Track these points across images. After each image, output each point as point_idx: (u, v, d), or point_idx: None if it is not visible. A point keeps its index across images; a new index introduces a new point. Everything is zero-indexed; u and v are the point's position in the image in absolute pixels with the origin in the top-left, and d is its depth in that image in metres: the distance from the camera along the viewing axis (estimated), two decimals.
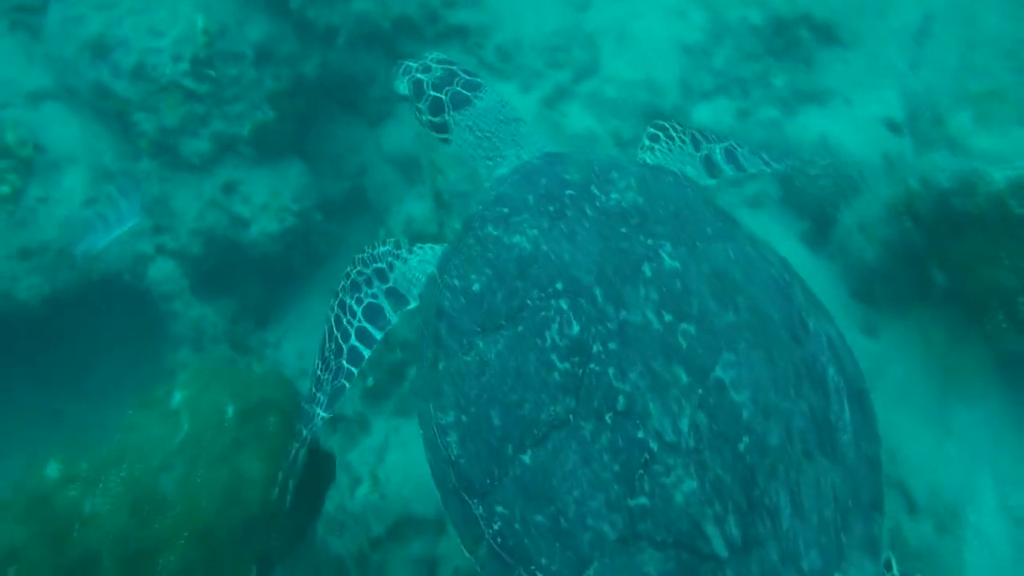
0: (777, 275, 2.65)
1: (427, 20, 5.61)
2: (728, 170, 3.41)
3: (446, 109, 3.26)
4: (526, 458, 2.38)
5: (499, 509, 2.41)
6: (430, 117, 3.30)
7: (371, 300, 3.07)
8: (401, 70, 3.42)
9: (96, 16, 4.81)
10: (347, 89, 5.70)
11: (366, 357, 3.03)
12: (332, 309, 3.12)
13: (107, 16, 4.80)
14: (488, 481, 2.44)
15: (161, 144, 5.00)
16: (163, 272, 5.07)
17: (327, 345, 3.09)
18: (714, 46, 5.62)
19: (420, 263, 3.04)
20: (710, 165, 3.39)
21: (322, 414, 2.94)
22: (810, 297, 2.73)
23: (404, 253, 3.11)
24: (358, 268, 3.13)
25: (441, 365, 2.64)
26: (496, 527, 2.40)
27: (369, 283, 3.11)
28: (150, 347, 5.36)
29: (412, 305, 3.02)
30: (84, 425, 5.45)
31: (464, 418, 2.52)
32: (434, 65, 3.37)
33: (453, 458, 2.52)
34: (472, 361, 2.54)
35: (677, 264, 2.50)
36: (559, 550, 2.30)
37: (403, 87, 3.39)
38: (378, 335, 3.04)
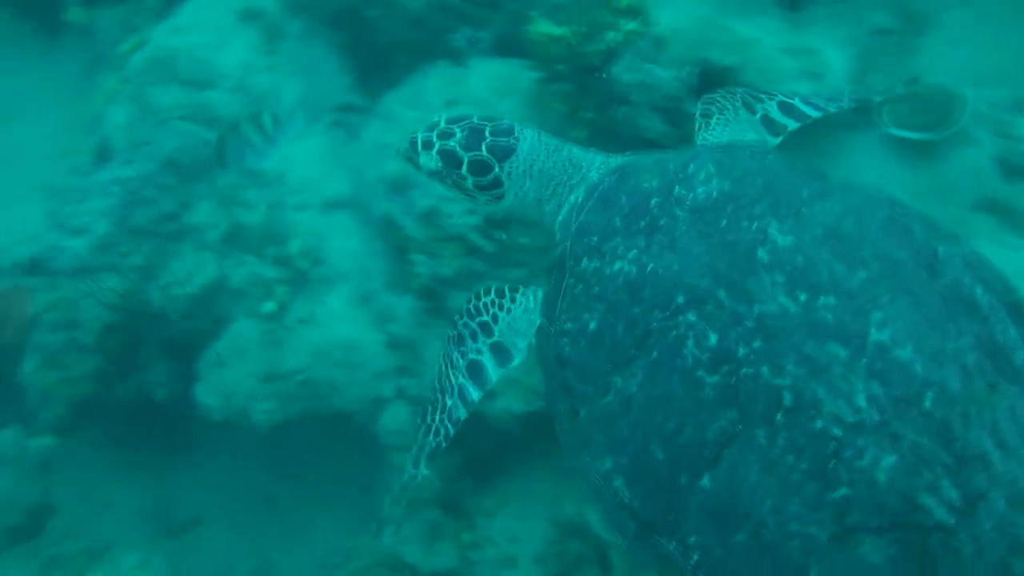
0: (889, 213, 2.43)
1: None
2: (790, 123, 3.21)
3: (494, 165, 3.00)
4: (704, 483, 2.23)
5: (693, 540, 2.26)
6: (478, 180, 3.02)
7: (475, 356, 3.00)
8: (419, 144, 3.05)
9: None
10: None
11: (463, 418, 3.03)
12: (441, 359, 3.10)
13: None
14: (671, 517, 2.30)
15: (430, 290, 4.67)
16: (396, 420, 4.72)
17: (432, 398, 3.09)
18: None
19: (524, 312, 2.95)
20: (769, 123, 3.19)
21: (423, 472, 3.03)
22: (929, 223, 2.47)
23: (507, 303, 3.00)
24: (464, 319, 3.05)
25: (582, 413, 2.51)
26: (695, 559, 2.25)
27: (475, 337, 3.02)
28: (367, 479, 5.08)
29: (516, 361, 2.96)
30: (292, 517, 5.34)
31: (624, 460, 2.40)
32: (453, 128, 3.04)
33: (626, 503, 2.39)
34: (614, 401, 2.41)
35: (790, 239, 2.34)
36: (770, 565, 2.13)
37: (431, 162, 3.04)
38: (476, 395, 3.00)
